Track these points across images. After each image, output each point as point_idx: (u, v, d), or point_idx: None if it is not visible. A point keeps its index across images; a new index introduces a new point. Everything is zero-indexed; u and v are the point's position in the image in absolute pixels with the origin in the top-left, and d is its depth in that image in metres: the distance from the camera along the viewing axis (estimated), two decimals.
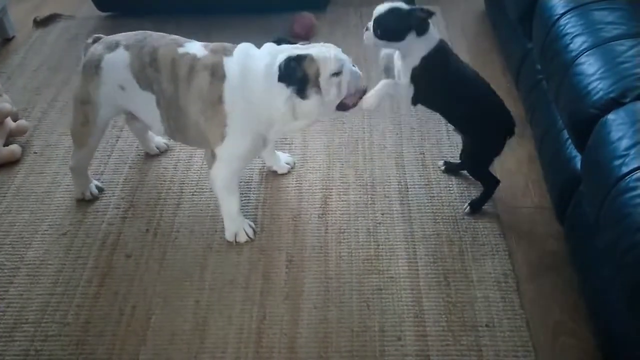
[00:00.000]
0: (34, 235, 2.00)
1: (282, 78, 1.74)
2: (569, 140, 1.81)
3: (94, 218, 2.06)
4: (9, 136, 2.34)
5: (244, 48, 1.82)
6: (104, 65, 1.85)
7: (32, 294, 1.81)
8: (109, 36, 1.92)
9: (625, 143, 1.42)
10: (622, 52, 1.67)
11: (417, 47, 1.77)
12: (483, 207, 2.01)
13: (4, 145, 2.29)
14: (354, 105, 1.85)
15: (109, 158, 2.29)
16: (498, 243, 1.91)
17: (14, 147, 2.30)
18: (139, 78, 1.83)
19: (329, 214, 2.04)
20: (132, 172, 2.23)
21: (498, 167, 2.19)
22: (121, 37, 1.89)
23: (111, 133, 2.40)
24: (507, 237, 1.94)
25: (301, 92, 1.75)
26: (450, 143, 2.31)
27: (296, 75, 1.73)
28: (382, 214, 2.03)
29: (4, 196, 2.15)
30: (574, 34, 1.83)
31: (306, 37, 2.95)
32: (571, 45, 1.80)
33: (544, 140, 2.06)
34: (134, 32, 1.91)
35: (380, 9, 1.76)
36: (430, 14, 1.73)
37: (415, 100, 1.86)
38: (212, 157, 1.85)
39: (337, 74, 1.76)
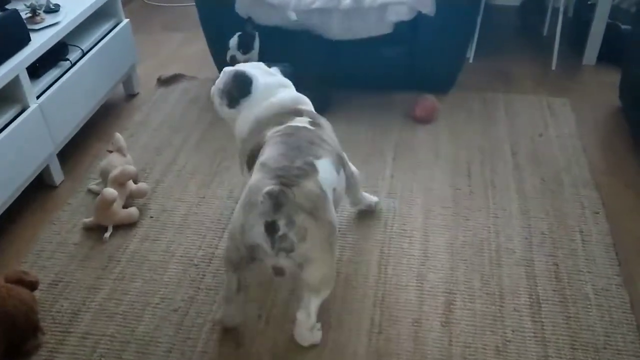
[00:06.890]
0: (146, 308, 1.95)
1: None
2: None
3: (205, 296, 1.99)
4: (128, 198, 2.34)
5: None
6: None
7: None
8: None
9: None
10: None
11: None
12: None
13: (123, 207, 2.29)
14: None
15: (223, 231, 2.25)
16: None
17: (133, 210, 2.29)
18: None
19: (453, 323, 1.88)
20: None
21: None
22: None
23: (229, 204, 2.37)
24: None
25: None
26: (586, 255, 2.11)
27: None
28: (513, 331, 1.85)
29: (119, 261, 2.13)
30: None
31: (428, 120, 2.86)
32: None
33: None
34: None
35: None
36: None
37: None
38: (346, 163, 2.05)
39: None
